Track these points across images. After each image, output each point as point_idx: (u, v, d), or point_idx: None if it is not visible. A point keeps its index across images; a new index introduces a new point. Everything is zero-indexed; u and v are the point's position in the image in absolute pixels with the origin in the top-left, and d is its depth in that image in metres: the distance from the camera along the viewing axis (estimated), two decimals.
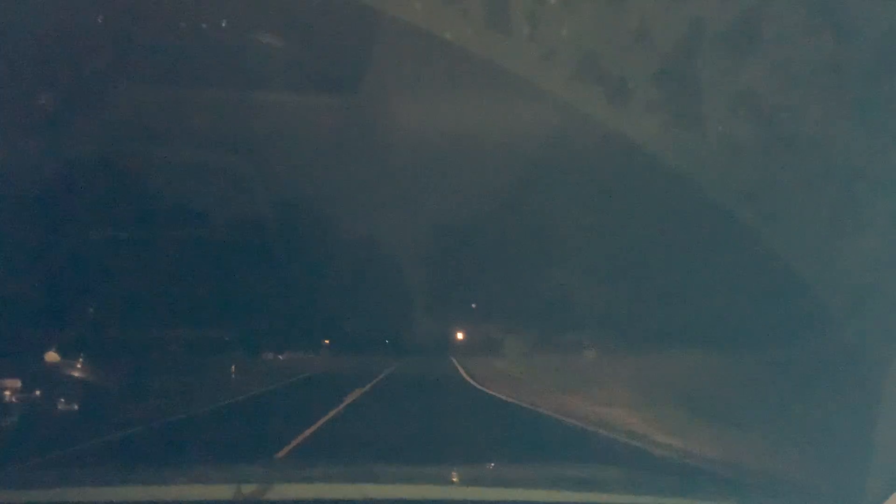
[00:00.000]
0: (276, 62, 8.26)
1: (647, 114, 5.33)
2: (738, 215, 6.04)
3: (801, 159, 5.41)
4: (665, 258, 9.91)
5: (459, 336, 50.19)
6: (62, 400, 9.88)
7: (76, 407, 9.89)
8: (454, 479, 2.97)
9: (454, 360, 34.61)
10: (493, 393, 16.13)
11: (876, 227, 5.21)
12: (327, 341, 39.66)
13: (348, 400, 14.12)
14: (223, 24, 8.10)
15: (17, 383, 9.47)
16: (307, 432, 9.07)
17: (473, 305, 48.15)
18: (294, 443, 8.29)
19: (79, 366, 10.81)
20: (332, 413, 11.83)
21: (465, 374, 23.54)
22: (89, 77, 10.06)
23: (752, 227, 6.00)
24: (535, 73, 5.49)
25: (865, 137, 5.39)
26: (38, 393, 9.75)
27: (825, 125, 5.38)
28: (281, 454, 7.30)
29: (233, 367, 21.38)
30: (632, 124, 5.58)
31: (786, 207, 5.68)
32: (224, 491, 2.25)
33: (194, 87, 9.36)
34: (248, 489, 2.20)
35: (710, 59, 5.25)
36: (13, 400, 9.34)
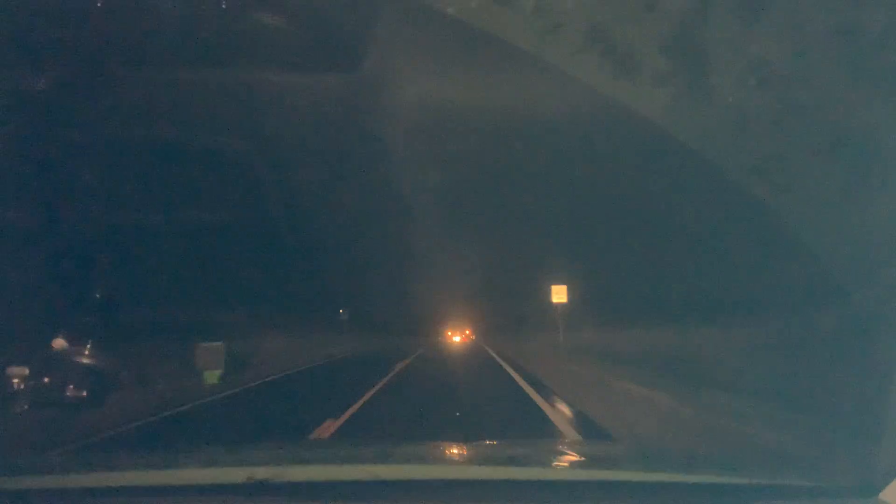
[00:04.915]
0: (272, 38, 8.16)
1: (655, 86, 5.22)
2: (749, 188, 5.95)
3: (812, 129, 5.31)
4: (675, 233, 9.86)
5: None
6: (70, 387, 9.89)
7: (84, 394, 9.89)
8: (464, 459, 2.97)
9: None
10: None
11: (888, 197, 5.13)
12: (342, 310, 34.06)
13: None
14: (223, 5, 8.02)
15: (25, 371, 9.48)
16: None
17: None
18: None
19: (87, 352, 10.81)
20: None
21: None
22: (91, 60, 9.98)
23: (764, 200, 5.92)
24: (541, 47, 5.38)
25: (878, 106, 5.29)
26: (46, 380, 9.75)
27: (837, 94, 5.27)
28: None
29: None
30: (640, 97, 5.47)
31: (798, 179, 5.60)
32: (236, 474, 2.25)
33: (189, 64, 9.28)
34: (259, 472, 2.19)
35: (720, 29, 5.13)
36: (21, 387, 9.35)
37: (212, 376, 14.10)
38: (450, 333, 45.02)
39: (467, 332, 45.91)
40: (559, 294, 19.62)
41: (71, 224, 12.58)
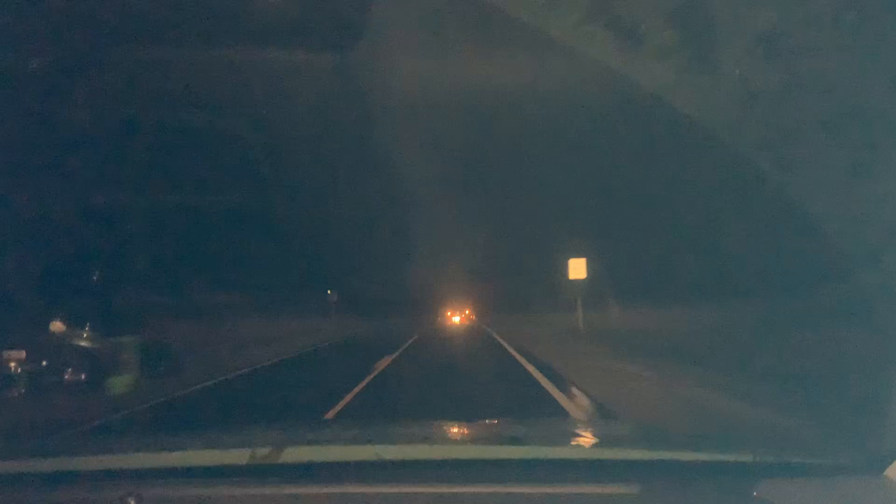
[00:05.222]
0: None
1: (659, 59, 5.14)
2: (754, 163, 5.89)
3: (819, 105, 5.24)
4: (680, 208, 9.77)
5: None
6: (69, 370, 9.87)
7: (83, 378, 9.86)
8: (468, 439, 2.95)
9: None
10: None
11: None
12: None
13: None
14: None
15: (22, 354, 9.46)
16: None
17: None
18: None
19: (85, 335, 10.78)
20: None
21: None
22: (85, 40, 9.86)
23: (769, 175, 5.86)
24: (542, 18, 5.27)
25: (885, 82, 5.21)
26: (44, 363, 9.73)
27: (844, 69, 5.19)
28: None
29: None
30: (644, 70, 5.39)
31: (804, 155, 5.53)
32: (238, 455, 2.22)
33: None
34: (262, 453, 2.17)
35: (725, 1, 5.04)
36: (18, 371, 9.33)
37: (118, 384, 10.54)
38: (449, 314, 41.76)
39: (467, 311, 42.84)
40: (577, 269, 16.60)
41: (68, 207, 12.53)
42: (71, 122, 11.21)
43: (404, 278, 38.49)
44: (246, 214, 17.42)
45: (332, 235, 25.87)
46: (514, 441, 2.81)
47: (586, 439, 2.98)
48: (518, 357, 14.02)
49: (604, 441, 2.86)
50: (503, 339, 19.93)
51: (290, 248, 22.31)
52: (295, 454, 2.25)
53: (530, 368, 11.62)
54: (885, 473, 1.94)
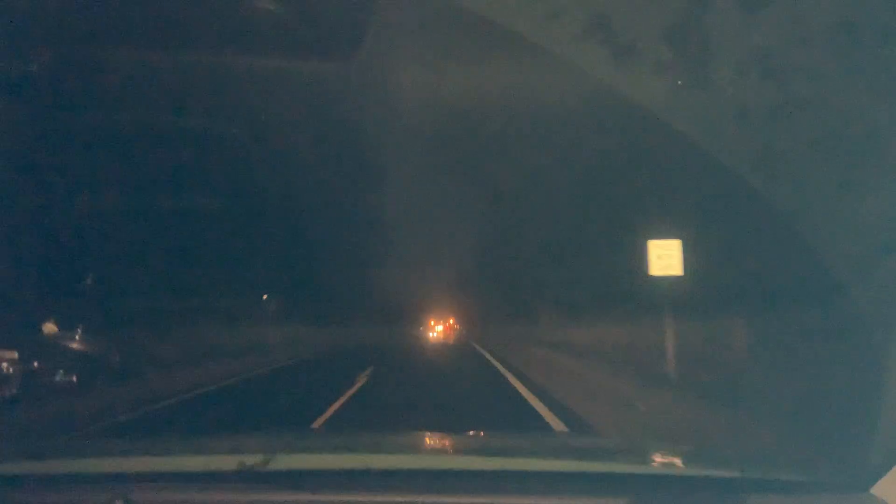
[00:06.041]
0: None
1: (655, 75, 5.20)
2: (747, 179, 5.94)
3: (812, 122, 5.30)
4: (672, 224, 9.68)
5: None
6: (61, 371, 9.84)
7: (74, 380, 9.81)
8: (455, 450, 2.96)
9: None
10: None
11: (887, 192, 5.12)
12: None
13: None
14: None
15: (15, 354, 9.42)
16: None
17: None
18: None
19: (77, 337, 10.76)
20: None
21: None
22: (83, 41, 9.87)
23: (762, 192, 5.91)
24: (541, 33, 5.32)
25: (877, 100, 5.28)
26: (35, 365, 9.69)
27: (837, 87, 5.26)
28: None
29: None
30: (640, 86, 5.44)
31: (796, 172, 5.58)
32: (227, 462, 2.22)
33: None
34: (251, 460, 2.16)
35: (721, 18, 5.11)
36: (10, 371, 9.28)
37: None
38: (433, 323, 35.83)
39: (451, 321, 35.65)
40: (666, 258, 8.86)
41: (61, 208, 12.49)
42: (64, 124, 11.19)
43: (380, 280, 32.77)
44: (198, 211, 14.91)
45: (286, 228, 21.52)
46: (502, 452, 2.82)
47: (574, 452, 2.98)
48: None
49: (592, 454, 2.86)
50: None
51: (226, 243, 18.15)
52: (284, 462, 2.24)
53: None
54: (870, 491, 1.96)
